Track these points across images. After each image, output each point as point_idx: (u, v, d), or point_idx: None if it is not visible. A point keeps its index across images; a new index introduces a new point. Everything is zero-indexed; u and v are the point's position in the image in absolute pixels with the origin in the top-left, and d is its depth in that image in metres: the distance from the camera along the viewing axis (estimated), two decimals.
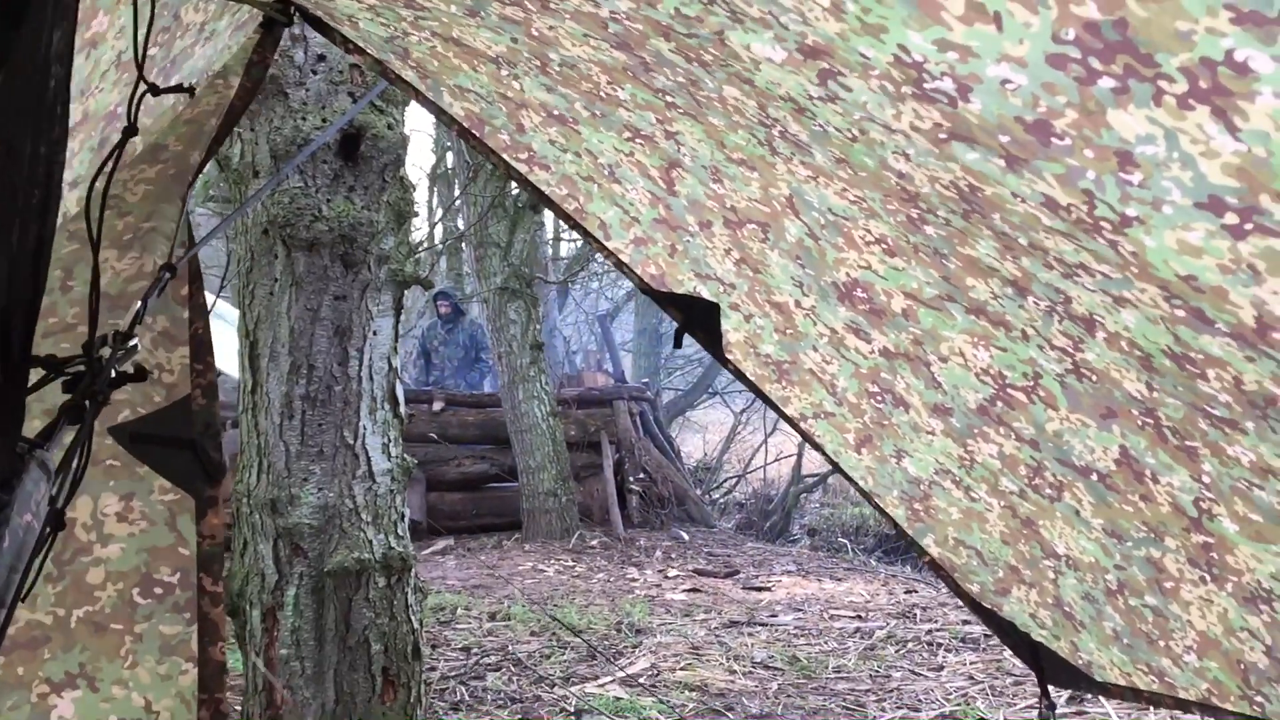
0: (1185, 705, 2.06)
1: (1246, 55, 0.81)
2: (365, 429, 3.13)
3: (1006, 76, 0.99)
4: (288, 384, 3.05)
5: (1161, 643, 1.98)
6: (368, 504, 3.11)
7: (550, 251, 13.26)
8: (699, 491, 13.47)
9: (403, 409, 3.26)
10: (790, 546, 11.30)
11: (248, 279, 3.13)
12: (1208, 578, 1.73)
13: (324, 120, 3.02)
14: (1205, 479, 1.51)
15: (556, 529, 9.52)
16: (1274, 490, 1.40)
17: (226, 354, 3.89)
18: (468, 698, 4.47)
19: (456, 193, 12.97)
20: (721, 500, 15.09)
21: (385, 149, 3.11)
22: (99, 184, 1.38)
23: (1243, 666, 1.82)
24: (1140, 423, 1.54)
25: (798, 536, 12.65)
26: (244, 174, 3.08)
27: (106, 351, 1.38)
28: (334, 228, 3.03)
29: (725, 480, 16.26)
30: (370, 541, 3.09)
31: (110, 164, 1.41)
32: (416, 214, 3.29)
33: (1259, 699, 1.85)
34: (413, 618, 3.18)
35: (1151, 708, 2.17)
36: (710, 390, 17.61)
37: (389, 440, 3.19)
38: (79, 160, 1.66)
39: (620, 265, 2.31)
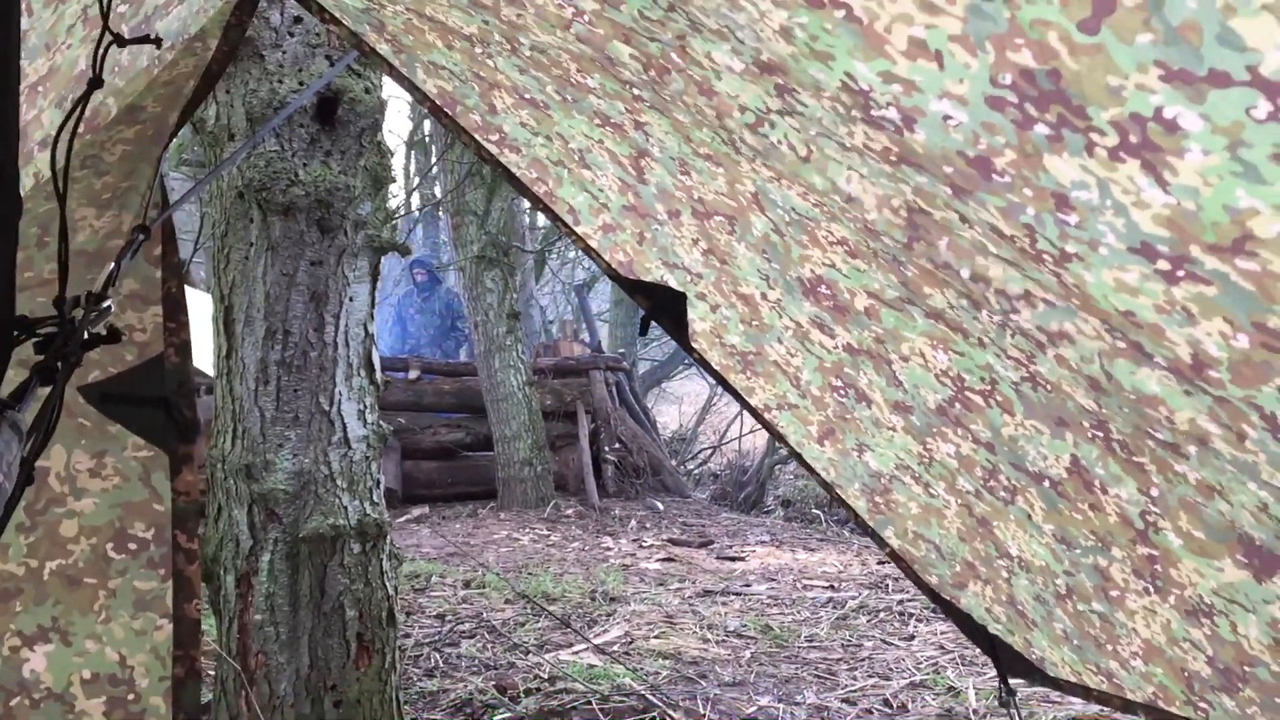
0: (1132, 707, 2.10)
1: (1176, 112, 0.82)
2: (341, 395, 3.12)
3: (948, 112, 0.99)
4: (263, 349, 3.04)
5: (1109, 646, 2.02)
6: (343, 470, 3.11)
7: (527, 221, 13.20)
8: (674, 462, 13.52)
9: (379, 376, 3.26)
10: (764, 517, 11.37)
11: (222, 243, 3.10)
12: (1151, 589, 1.76)
13: (301, 83, 3.00)
14: (1153, 492, 1.54)
15: (531, 498, 9.55)
16: (1217, 509, 1.42)
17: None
18: (442, 664, 4.49)
19: (433, 160, 12.89)
20: (696, 471, 15.15)
21: (363, 113, 3.09)
22: (64, 139, 1.37)
23: (1186, 674, 1.85)
24: (1091, 434, 1.57)
25: (772, 508, 12.72)
26: (219, 137, 3.05)
27: (79, 312, 1.37)
28: (311, 192, 3.01)
29: (700, 451, 16.32)
30: (345, 508, 3.10)
31: (76, 117, 1.40)
32: (394, 180, 3.27)
33: (1203, 705, 1.88)
34: (387, 584, 3.18)
35: (1105, 706, 2.21)
36: (686, 361, 17.64)
37: (365, 407, 3.18)
38: (47, 117, 1.64)
39: (589, 250, 2.32)
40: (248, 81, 3.01)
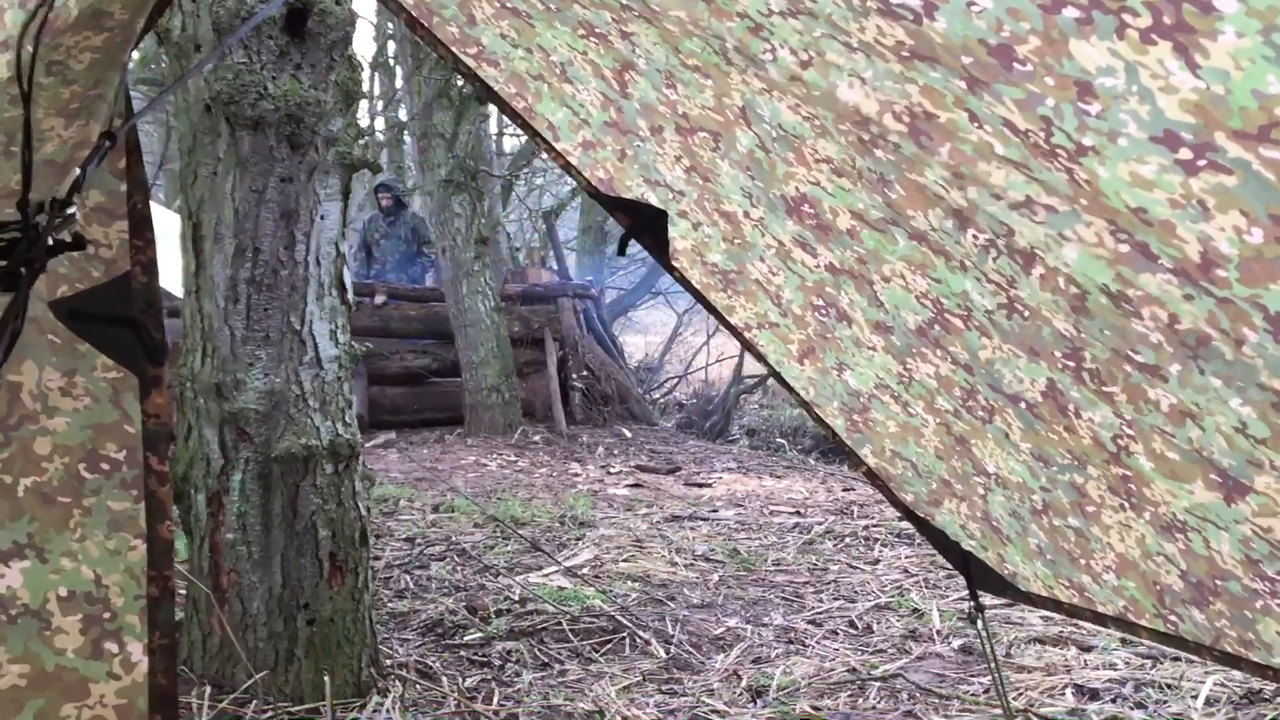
0: (1103, 619, 2.15)
1: None
2: (312, 315, 3.09)
3: None
4: (232, 267, 2.99)
5: (1082, 560, 2.05)
6: (315, 390, 3.09)
7: (494, 146, 13.03)
8: (641, 390, 13.56)
9: (350, 296, 3.22)
10: (730, 446, 11.46)
11: (189, 159, 3.04)
12: (1127, 505, 1.78)
13: None
14: (1125, 416, 1.55)
15: (499, 424, 9.55)
16: (1187, 436, 1.44)
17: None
18: (413, 585, 4.51)
19: (399, 82, 12.67)
20: (662, 400, 15.23)
21: (334, 25, 3.01)
22: (29, 41, 1.32)
23: (1158, 587, 1.89)
24: (1062, 365, 1.57)
25: (737, 436, 12.84)
26: (185, 48, 2.97)
27: (44, 218, 1.34)
28: (280, 107, 2.94)
29: (667, 380, 16.39)
30: (317, 428, 3.08)
31: (38, 19, 1.35)
32: (365, 95, 3.20)
33: (1173, 618, 1.92)
34: (360, 504, 3.18)
35: (1075, 619, 2.26)
36: (653, 290, 17.63)
37: (336, 327, 3.15)
38: (9, 18, 1.58)
39: (568, 168, 2.29)
40: None
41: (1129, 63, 0.91)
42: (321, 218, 3.08)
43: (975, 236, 1.46)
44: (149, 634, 1.89)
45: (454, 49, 2.23)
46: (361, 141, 3.16)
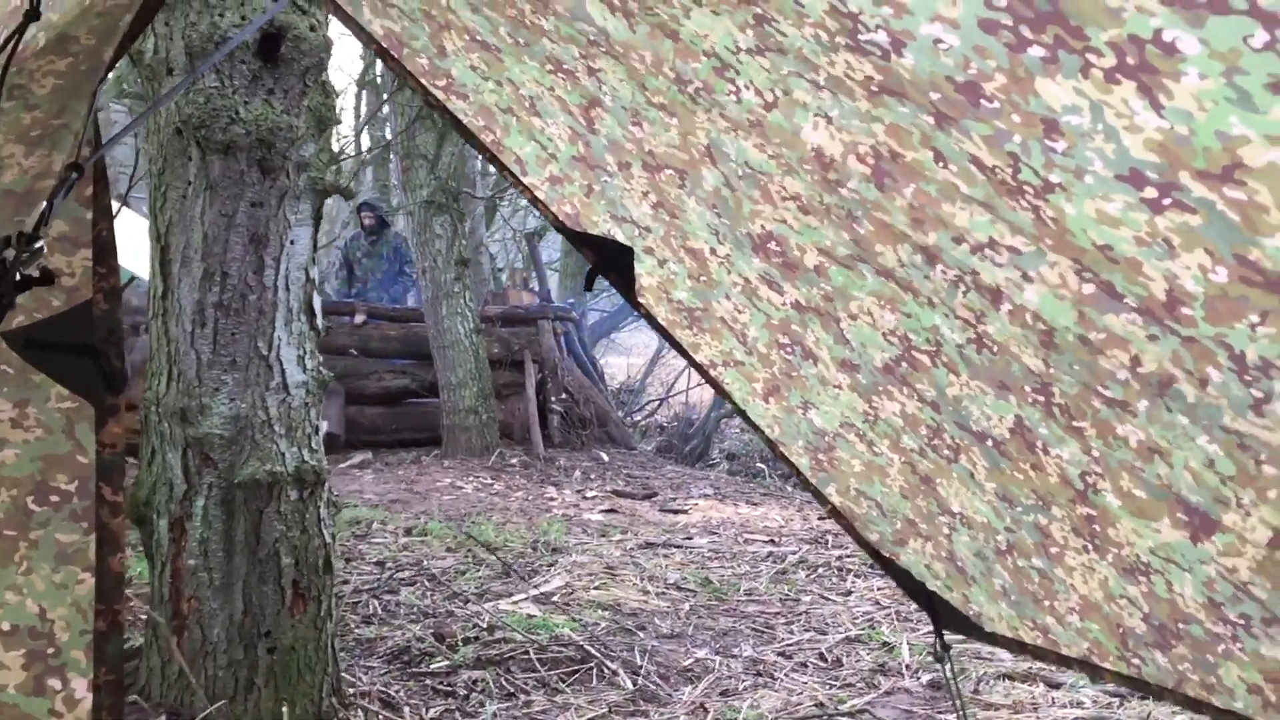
0: (1067, 661, 2.14)
1: (1174, 36, 0.82)
2: (280, 340, 3.06)
3: (939, 36, 0.99)
4: (200, 291, 2.97)
5: (1046, 602, 2.05)
6: (281, 416, 3.06)
7: (479, 166, 13.03)
8: (621, 413, 13.54)
9: (320, 321, 3.20)
10: (709, 470, 11.44)
11: (159, 181, 3.02)
12: (1090, 547, 1.78)
13: (243, 18, 2.90)
14: (1094, 453, 1.55)
15: (476, 446, 9.51)
16: (1156, 472, 1.44)
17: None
18: (380, 611, 4.47)
19: (382, 101, 12.66)
20: (643, 423, 15.20)
21: (307, 51, 3.00)
22: None
23: (1121, 630, 1.88)
24: (1032, 399, 1.58)
25: (717, 460, 12.81)
26: (157, 70, 2.96)
27: (10, 253, 1.32)
28: (251, 131, 2.92)
29: (648, 403, 16.36)
30: (283, 454, 3.05)
31: (8, 52, 1.33)
32: (339, 121, 3.20)
33: (1135, 661, 1.92)
34: (324, 531, 3.15)
35: (1039, 661, 2.26)
36: (636, 313, 17.60)
37: (305, 352, 3.13)
38: None
39: (535, 202, 2.28)
40: (188, 14, 2.91)
41: (1094, 101, 0.92)
42: (292, 243, 3.07)
43: (944, 272, 1.46)
44: (95, 669, 1.86)
45: (424, 80, 2.22)
46: (334, 167, 3.15)
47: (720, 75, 1.41)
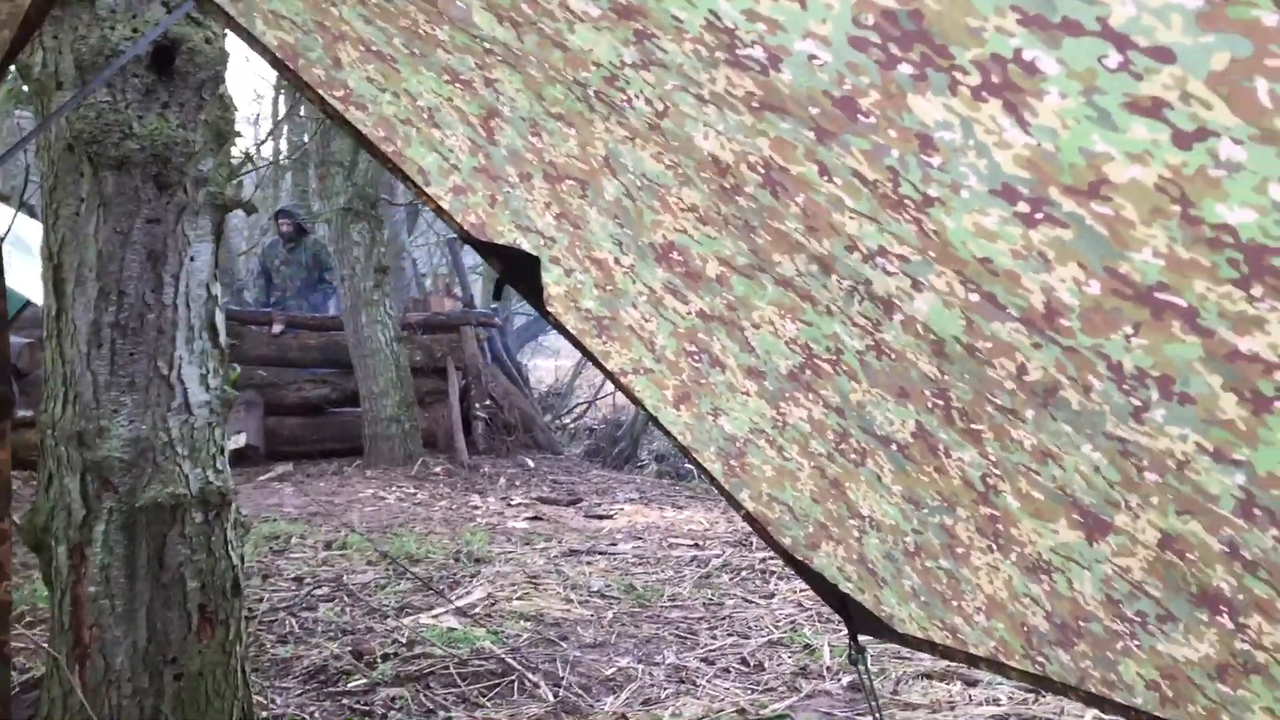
0: (976, 660, 2.17)
1: (1034, 55, 0.83)
2: (181, 359, 2.98)
3: (813, 52, 1.00)
4: (96, 311, 2.88)
5: (954, 602, 2.08)
6: (184, 437, 2.98)
7: None
8: (548, 418, 13.50)
9: (223, 339, 3.12)
10: (636, 474, 11.44)
11: (51, 198, 2.92)
12: (994, 546, 1.81)
13: (135, 31, 2.82)
14: (991, 457, 1.57)
15: (399, 455, 9.40)
16: (1050, 474, 1.46)
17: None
18: (297, 629, 4.39)
19: (295, 107, 12.47)
20: (572, 425, 15.16)
21: (203, 64, 2.93)
22: None
23: (1026, 628, 1.91)
24: (931, 404, 1.59)
25: (645, 462, 12.82)
26: (46, 85, 2.86)
27: None
28: (146, 146, 2.84)
29: (576, 405, 16.33)
30: (186, 476, 2.97)
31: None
32: (239, 134, 3.12)
33: (1040, 659, 1.95)
34: (232, 554, 3.08)
35: (949, 660, 2.29)
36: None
37: (208, 371, 3.05)
38: None
39: (440, 212, 2.26)
40: (76, 27, 2.82)
41: (964, 118, 0.93)
42: (191, 259, 2.99)
43: (840, 281, 1.47)
44: None
45: (321, 91, 2.18)
46: (236, 181, 3.08)
47: (611, 85, 1.40)
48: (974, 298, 1.19)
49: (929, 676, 3.75)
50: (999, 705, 3.43)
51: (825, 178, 1.20)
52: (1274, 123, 0.74)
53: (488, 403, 10.57)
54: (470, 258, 17.68)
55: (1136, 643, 1.63)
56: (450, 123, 2.02)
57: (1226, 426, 1.01)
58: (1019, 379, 1.26)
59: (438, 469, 9.32)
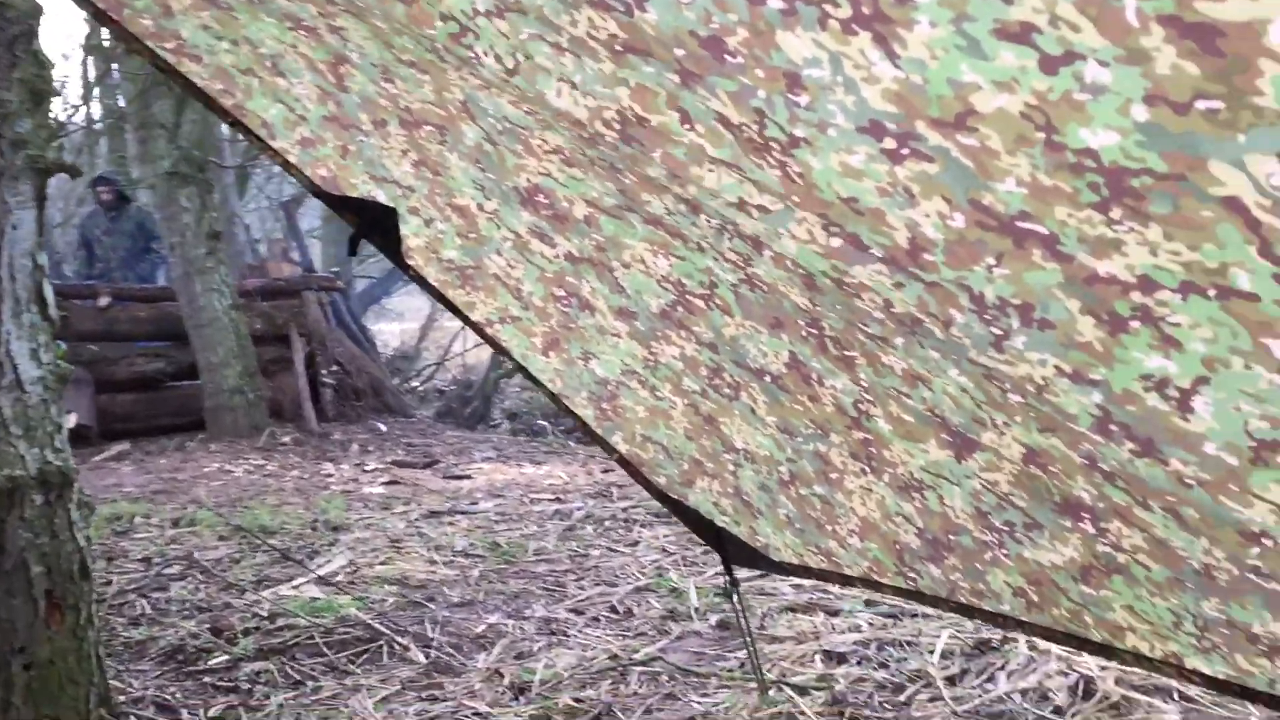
0: (850, 581, 2.24)
1: None
2: (9, 334, 2.80)
3: None
4: None
5: (829, 527, 2.13)
6: (17, 416, 2.81)
7: (226, 133, 12.35)
8: (397, 381, 13.27)
9: (53, 311, 2.95)
10: (491, 433, 11.37)
11: None
12: (867, 469, 1.86)
13: None
14: (864, 383, 1.61)
15: (244, 427, 9.10)
16: (921, 397, 1.51)
17: None
18: (149, 610, 4.22)
19: (114, 66, 11.80)
20: (421, 388, 14.96)
21: (14, 19, 2.73)
22: None
23: (898, 547, 1.98)
24: (804, 334, 1.62)
25: (498, 421, 12.76)
26: None
27: None
28: None
29: (425, 368, 16.10)
30: (23, 457, 2.80)
31: None
32: (57, 93, 2.93)
33: (912, 575, 2.03)
34: (77, 535, 2.93)
35: (824, 582, 2.36)
36: (406, 278, 17.24)
37: (39, 345, 2.87)
38: None
39: (287, 166, 2.17)
40: None
41: (833, 53, 0.92)
42: (14, 228, 2.80)
43: (709, 220, 1.47)
44: None
45: (149, 43, 2.06)
46: (56, 143, 2.89)
47: (458, 41, 1.36)
48: (835, 242, 1.21)
49: (793, 609, 3.85)
50: (860, 631, 3.55)
51: (687, 125, 1.19)
52: (1140, 41, 0.75)
53: (334, 368, 10.32)
54: (307, 221, 17.14)
55: (1005, 551, 1.70)
56: (296, 70, 1.94)
57: (1084, 349, 1.05)
58: (886, 310, 1.29)
59: (286, 439, 9.06)
